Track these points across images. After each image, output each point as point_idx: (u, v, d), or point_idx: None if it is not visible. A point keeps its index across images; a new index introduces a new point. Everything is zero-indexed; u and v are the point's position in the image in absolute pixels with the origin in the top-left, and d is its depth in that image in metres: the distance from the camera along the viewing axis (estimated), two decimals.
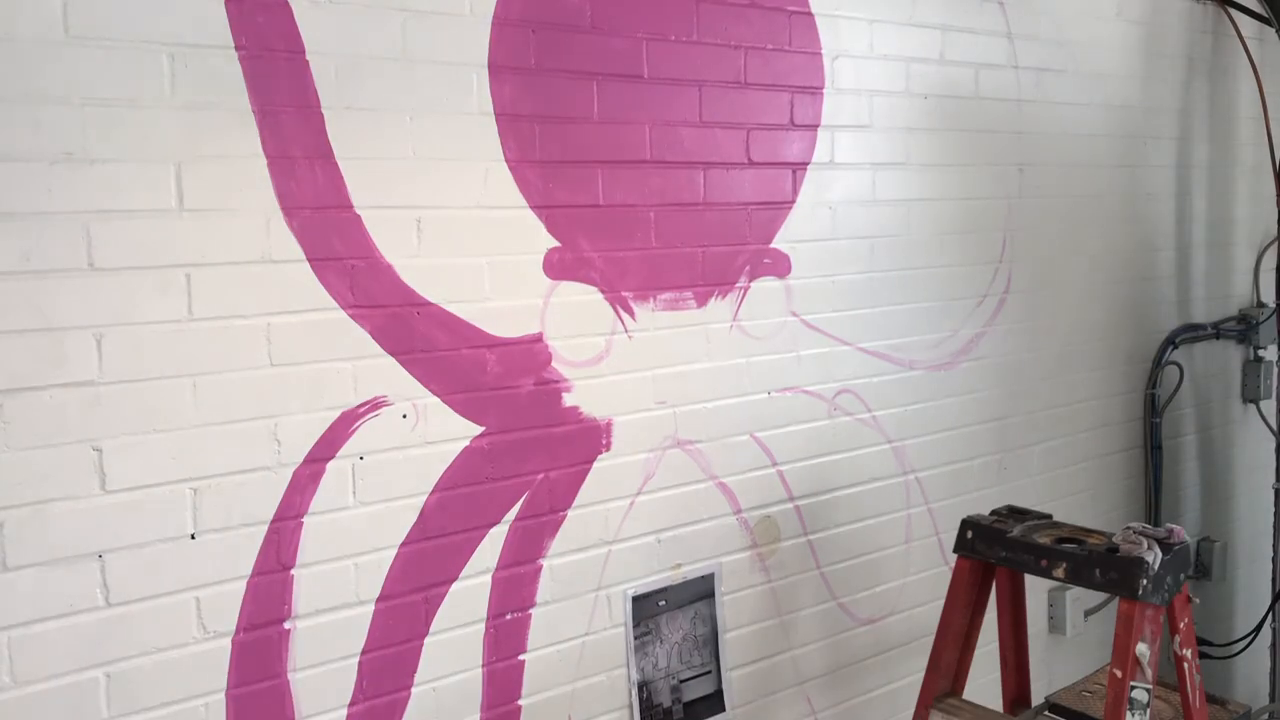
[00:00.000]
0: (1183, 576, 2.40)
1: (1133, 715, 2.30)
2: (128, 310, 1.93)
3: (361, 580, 2.22)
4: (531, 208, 2.41)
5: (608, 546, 2.58)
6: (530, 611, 2.47)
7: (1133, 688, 2.30)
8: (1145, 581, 2.30)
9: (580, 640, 2.55)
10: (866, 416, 3.08)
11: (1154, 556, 2.32)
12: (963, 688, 2.70)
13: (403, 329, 2.24)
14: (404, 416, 2.25)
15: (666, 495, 2.68)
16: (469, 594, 2.37)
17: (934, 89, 3.18)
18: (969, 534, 2.63)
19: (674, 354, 2.66)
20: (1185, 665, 2.47)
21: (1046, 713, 2.79)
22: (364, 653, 2.23)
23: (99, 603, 1.93)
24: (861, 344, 3.05)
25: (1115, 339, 3.84)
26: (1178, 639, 2.44)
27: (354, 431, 2.19)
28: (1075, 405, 3.69)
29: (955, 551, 2.66)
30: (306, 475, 2.13)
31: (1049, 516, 2.67)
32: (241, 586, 2.07)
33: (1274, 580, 4.06)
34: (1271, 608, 4.07)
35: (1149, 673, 2.31)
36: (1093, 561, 2.39)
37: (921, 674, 2.72)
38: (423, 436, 2.28)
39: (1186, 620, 2.44)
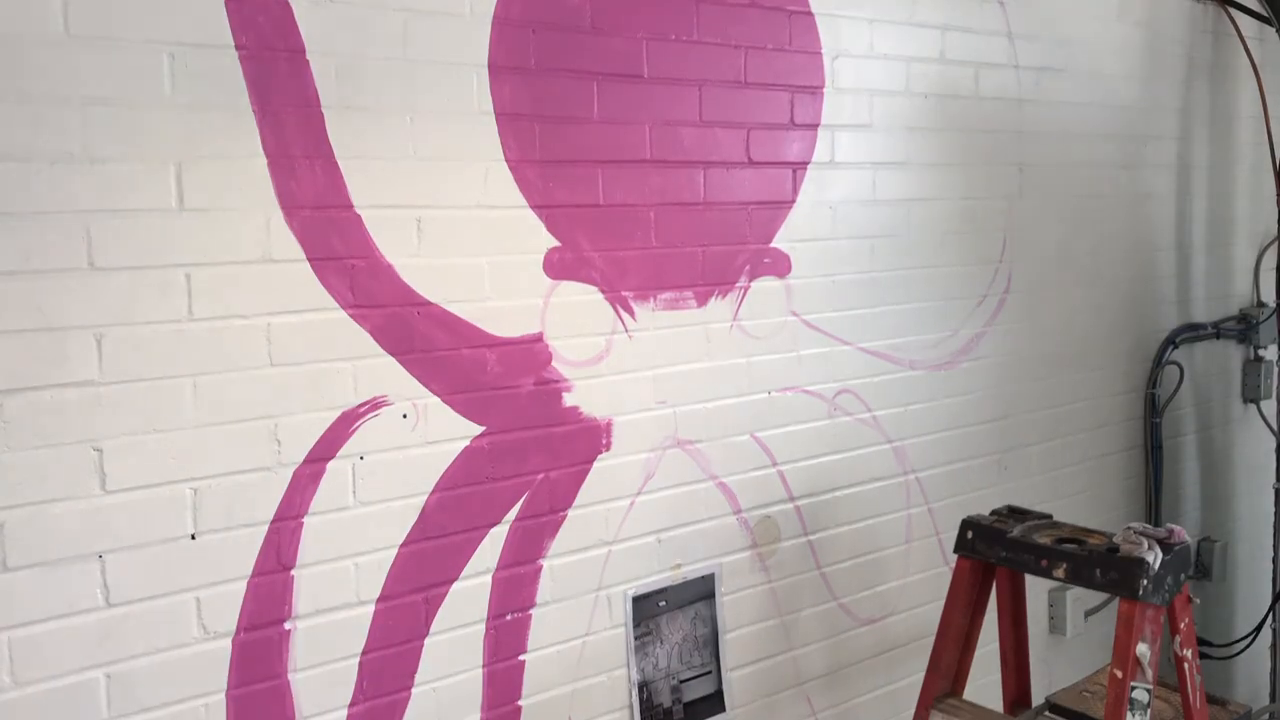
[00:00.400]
0: (1183, 577, 2.40)
1: (1133, 715, 2.30)
2: (128, 310, 1.93)
3: (362, 580, 2.22)
4: (532, 207, 2.41)
5: (608, 546, 2.58)
6: (530, 612, 2.47)
7: (1133, 688, 2.30)
8: (1145, 582, 2.30)
9: (580, 640, 2.55)
10: (866, 416, 3.08)
11: (1154, 557, 2.32)
12: (963, 688, 2.70)
13: (403, 329, 2.24)
14: (404, 416, 2.25)
15: (667, 495, 2.67)
16: (469, 594, 2.37)
17: (934, 88, 3.18)
18: (969, 534, 2.63)
19: (674, 354, 2.66)
20: (1186, 665, 2.47)
21: (1047, 713, 2.79)
22: (364, 653, 2.23)
23: (99, 603, 1.92)
24: (862, 344, 3.05)
25: (1115, 339, 3.84)
26: (1178, 639, 2.45)
27: (354, 431, 2.19)
28: (1075, 405, 3.69)
29: (956, 552, 2.66)
30: (307, 475, 2.13)
31: (1049, 516, 2.67)
32: (242, 587, 2.07)
33: (1274, 580, 4.06)
34: (1272, 608, 4.07)
35: (1149, 673, 2.31)
36: (1093, 562, 2.39)
37: (922, 674, 2.72)
38: (423, 436, 2.28)
39: (1187, 621, 2.45)
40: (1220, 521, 4.32)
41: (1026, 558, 2.51)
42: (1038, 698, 2.88)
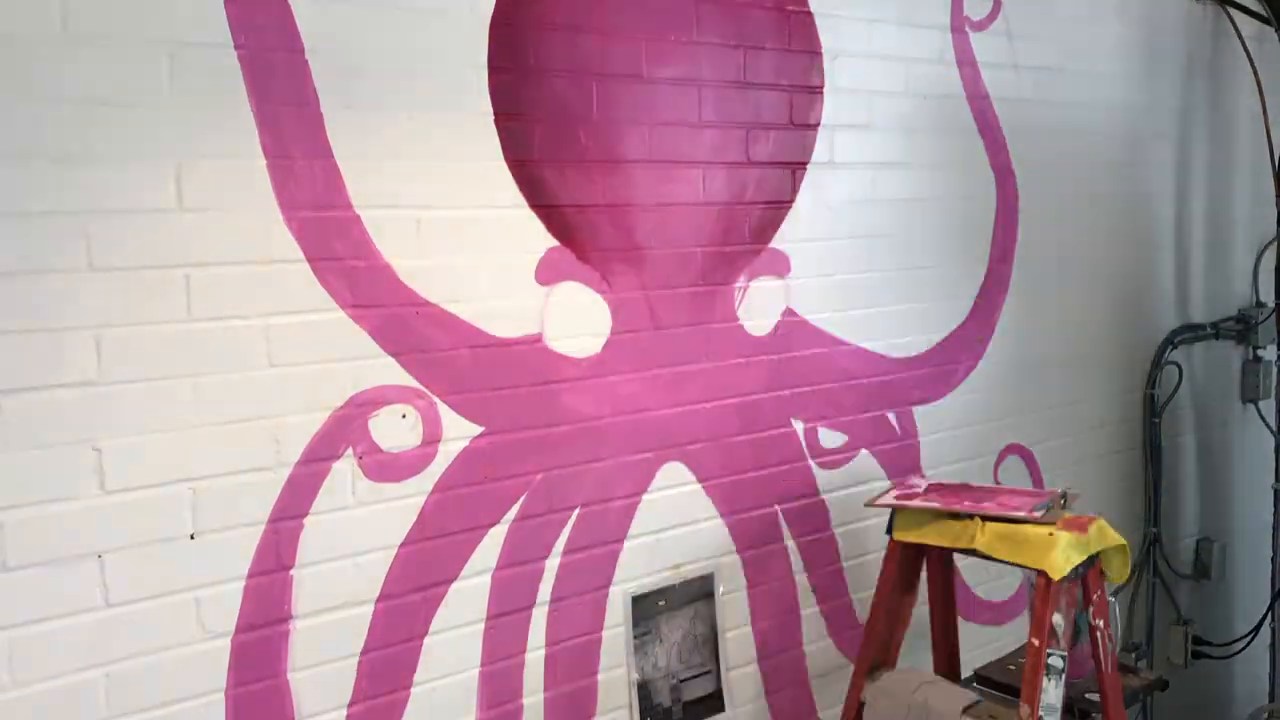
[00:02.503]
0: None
1: (1049, 680, 2.41)
2: (127, 310, 1.93)
3: (361, 580, 2.22)
4: (531, 207, 2.41)
5: (608, 546, 2.58)
6: (530, 611, 2.47)
7: (1049, 654, 2.40)
8: None
9: (580, 640, 2.55)
10: (866, 417, 3.08)
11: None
12: (894, 661, 2.77)
13: (402, 329, 2.24)
14: (403, 417, 2.25)
15: (666, 495, 2.67)
16: (469, 594, 2.37)
17: (934, 89, 3.18)
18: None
19: (673, 354, 2.66)
20: (1098, 635, 2.55)
21: (975, 684, 2.85)
22: (364, 652, 2.23)
23: (98, 603, 1.92)
24: (861, 343, 3.05)
25: (1114, 339, 3.84)
26: (1091, 610, 2.52)
27: (353, 432, 2.19)
28: (1074, 405, 3.69)
29: (887, 534, 2.72)
30: (306, 475, 2.13)
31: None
32: (241, 586, 2.07)
33: (1273, 580, 4.06)
34: (1271, 607, 4.07)
35: (1063, 641, 2.42)
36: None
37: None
38: (422, 437, 2.28)
39: (1099, 593, 2.53)
40: (1220, 521, 4.32)
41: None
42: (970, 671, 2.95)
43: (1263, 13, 4.13)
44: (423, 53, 2.25)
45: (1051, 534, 2.42)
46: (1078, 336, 3.69)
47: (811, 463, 2.97)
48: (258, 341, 2.07)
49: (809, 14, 2.86)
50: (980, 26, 3.29)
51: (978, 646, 3.35)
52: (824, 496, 2.99)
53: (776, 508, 2.90)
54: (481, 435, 2.36)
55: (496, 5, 2.34)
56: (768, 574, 2.88)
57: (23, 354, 1.83)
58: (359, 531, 2.21)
